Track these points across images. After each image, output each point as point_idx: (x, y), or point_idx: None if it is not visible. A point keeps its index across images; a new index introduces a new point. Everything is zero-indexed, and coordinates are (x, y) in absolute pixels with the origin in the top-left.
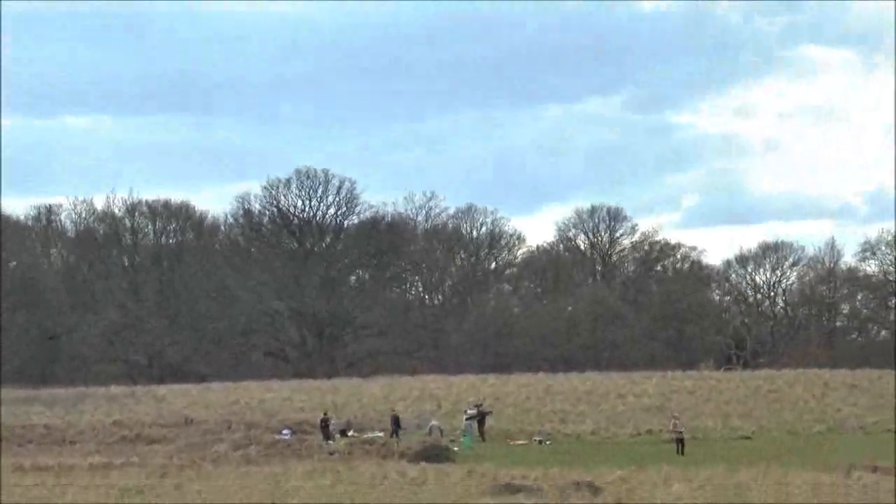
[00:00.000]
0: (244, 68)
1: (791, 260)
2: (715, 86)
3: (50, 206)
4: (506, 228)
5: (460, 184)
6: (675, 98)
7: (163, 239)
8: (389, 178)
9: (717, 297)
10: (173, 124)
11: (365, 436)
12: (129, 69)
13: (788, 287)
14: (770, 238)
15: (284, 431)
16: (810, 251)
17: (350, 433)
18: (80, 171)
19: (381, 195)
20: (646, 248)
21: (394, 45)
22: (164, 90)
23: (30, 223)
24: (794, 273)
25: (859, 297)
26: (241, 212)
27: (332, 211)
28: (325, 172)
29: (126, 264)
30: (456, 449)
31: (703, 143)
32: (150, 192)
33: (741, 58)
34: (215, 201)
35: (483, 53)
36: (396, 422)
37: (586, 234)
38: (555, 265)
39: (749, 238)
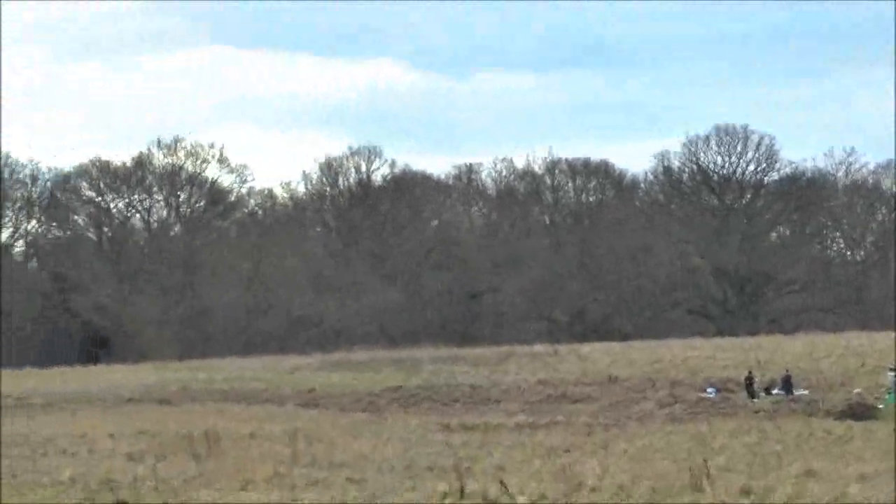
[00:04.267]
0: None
1: None
2: None
3: (470, 164)
4: None
5: (880, 138)
6: None
7: (583, 197)
8: (804, 135)
9: None
10: (586, 81)
11: (795, 393)
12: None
13: None
14: None
15: (709, 389)
16: None
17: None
18: (497, 128)
19: (797, 152)
20: None
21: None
22: (573, 46)
23: (451, 182)
24: None
25: None
26: (660, 169)
27: (751, 167)
28: (745, 129)
29: (547, 222)
30: (881, 406)
31: None
32: (568, 151)
33: None
34: (632, 159)
35: None
36: (788, 382)
37: None
38: None
39: None
